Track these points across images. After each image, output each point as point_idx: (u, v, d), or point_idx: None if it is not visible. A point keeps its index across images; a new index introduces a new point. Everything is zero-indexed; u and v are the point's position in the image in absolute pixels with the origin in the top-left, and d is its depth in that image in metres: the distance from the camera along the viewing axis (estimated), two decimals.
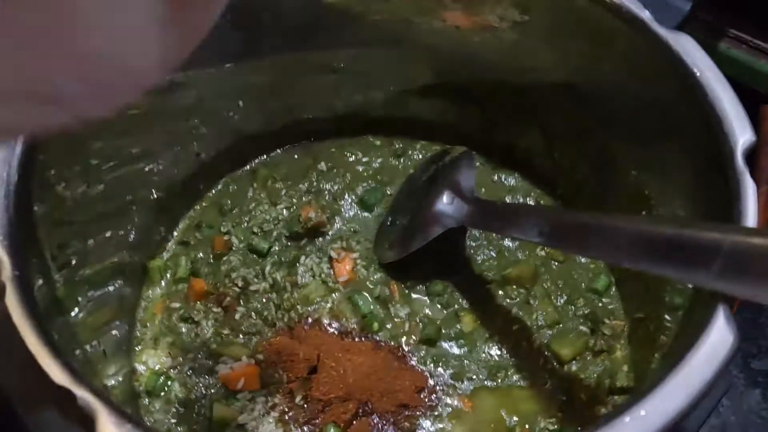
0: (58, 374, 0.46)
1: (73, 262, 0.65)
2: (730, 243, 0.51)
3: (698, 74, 0.65)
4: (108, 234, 0.75)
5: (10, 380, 0.48)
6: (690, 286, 0.64)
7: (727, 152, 0.61)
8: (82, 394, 0.45)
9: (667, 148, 0.72)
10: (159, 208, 0.87)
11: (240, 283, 0.86)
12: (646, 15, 0.69)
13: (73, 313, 0.64)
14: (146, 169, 0.81)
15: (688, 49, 0.67)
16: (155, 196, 0.85)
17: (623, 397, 0.77)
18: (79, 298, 0.66)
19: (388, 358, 0.81)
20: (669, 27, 0.69)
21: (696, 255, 0.54)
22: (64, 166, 0.64)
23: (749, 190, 0.58)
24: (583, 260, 0.90)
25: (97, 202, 0.71)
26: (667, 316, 0.70)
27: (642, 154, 0.77)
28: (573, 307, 0.86)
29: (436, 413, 0.78)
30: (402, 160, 1.01)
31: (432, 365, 0.81)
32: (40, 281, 0.57)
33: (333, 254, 0.89)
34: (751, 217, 0.57)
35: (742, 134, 0.62)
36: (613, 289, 0.87)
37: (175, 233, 0.92)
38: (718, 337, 0.51)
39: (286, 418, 0.77)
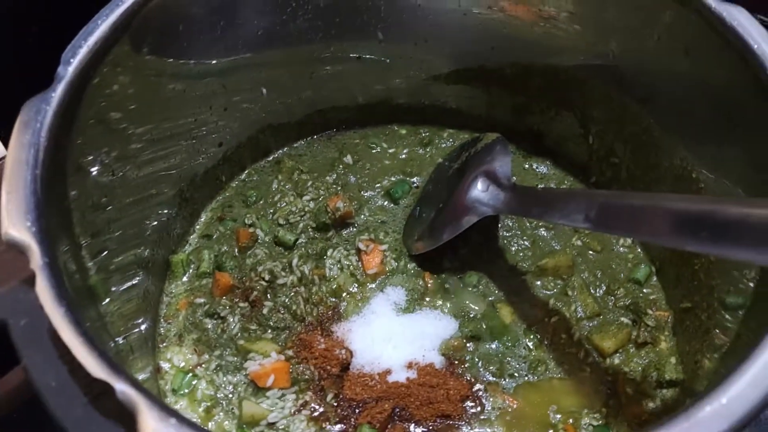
0: (95, 366, 0.43)
1: (107, 251, 0.62)
2: None
3: (755, 47, 0.62)
4: (135, 224, 0.72)
5: (43, 377, 0.44)
6: (751, 285, 0.61)
7: None
8: (121, 387, 0.42)
9: (720, 126, 0.68)
10: (181, 200, 0.84)
11: (267, 277, 0.82)
12: None
13: (104, 302, 0.60)
14: (172, 159, 0.78)
15: (743, 21, 0.63)
16: (178, 186, 0.82)
17: (672, 391, 0.74)
18: (112, 288, 0.63)
19: None
20: None
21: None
22: (101, 151, 0.61)
23: None
24: (621, 249, 0.87)
25: (128, 189, 0.68)
26: (726, 315, 0.66)
27: (692, 134, 0.73)
28: (613, 298, 0.82)
29: (481, 417, 0.73)
30: (429, 149, 0.97)
31: (476, 363, 0.77)
32: (73, 268, 0.53)
33: (361, 246, 0.86)
34: None
35: None
36: (654, 279, 0.84)
37: (198, 226, 0.89)
38: None
39: (318, 416, 0.74)
